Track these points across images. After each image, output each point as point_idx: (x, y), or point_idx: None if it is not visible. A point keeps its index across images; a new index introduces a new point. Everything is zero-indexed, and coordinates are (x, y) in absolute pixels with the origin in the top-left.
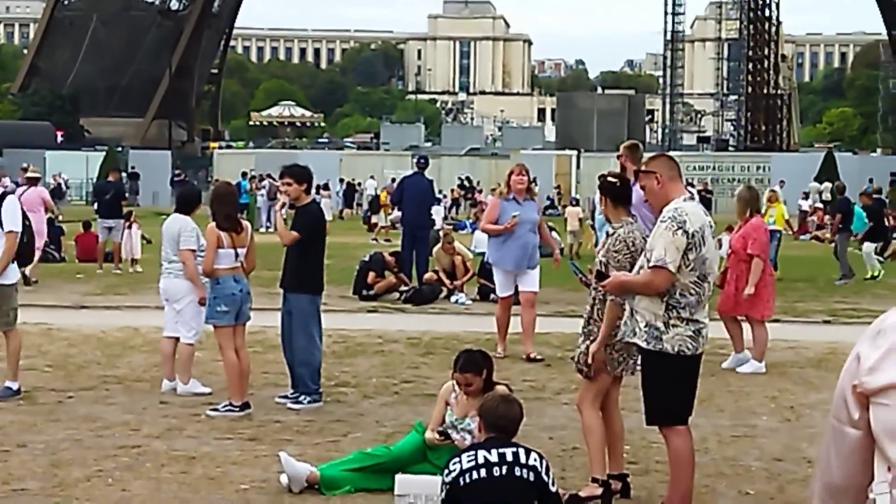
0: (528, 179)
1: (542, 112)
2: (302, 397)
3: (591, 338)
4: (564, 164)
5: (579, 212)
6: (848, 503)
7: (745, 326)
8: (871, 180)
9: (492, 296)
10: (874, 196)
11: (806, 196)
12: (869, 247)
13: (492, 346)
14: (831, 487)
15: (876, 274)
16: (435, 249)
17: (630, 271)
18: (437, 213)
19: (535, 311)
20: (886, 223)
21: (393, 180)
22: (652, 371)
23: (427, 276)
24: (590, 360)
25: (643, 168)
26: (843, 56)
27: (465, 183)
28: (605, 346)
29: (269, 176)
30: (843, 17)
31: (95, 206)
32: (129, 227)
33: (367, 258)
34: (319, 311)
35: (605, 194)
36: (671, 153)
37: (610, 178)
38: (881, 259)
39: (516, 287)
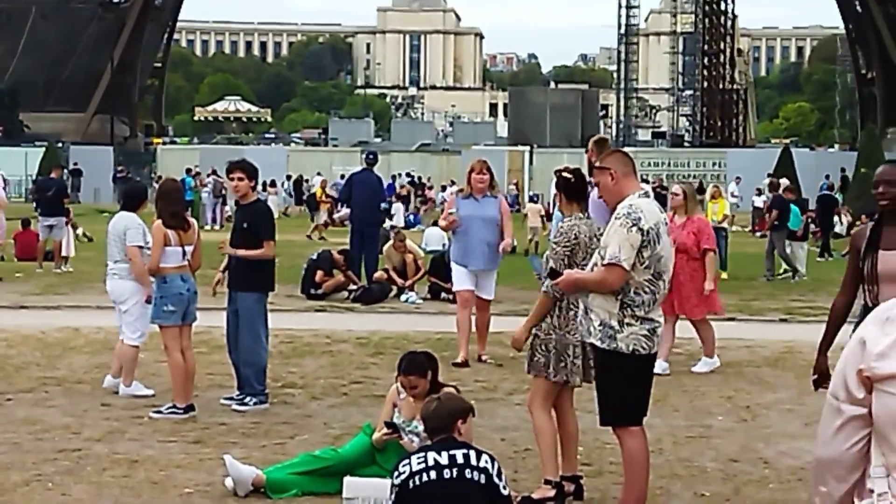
0: (490, 177)
1: (494, 107)
2: (247, 399)
3: (550, 335)
4: (517, 159)
5: (540, 209)
6: (832, 477)
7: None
8: (827, 176)
9: (443, 294)
10: (826, 192)
11: (759, 192)
12: (798, 244)
13: (443, 347)
14: (820, 462)
15: (797, 271)
16: (385, 247)
17: (567, 264)
18: (398, 209)
19: (489, 314)
20: (835, 220)
21: (342, 177)
22: (606, 371)
23: (377, 274)
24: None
25: (597, 164)
26: (800, 50)
27: (415, 180)
28: (550, 347)
29: (213, 172)
30: (799, 10)
31: (35, 203)
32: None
33: (314, 256)
34: (266, 311)
35: (560, 189)
36: (626, 149)
37: (565, 174)
38: (824, 258)
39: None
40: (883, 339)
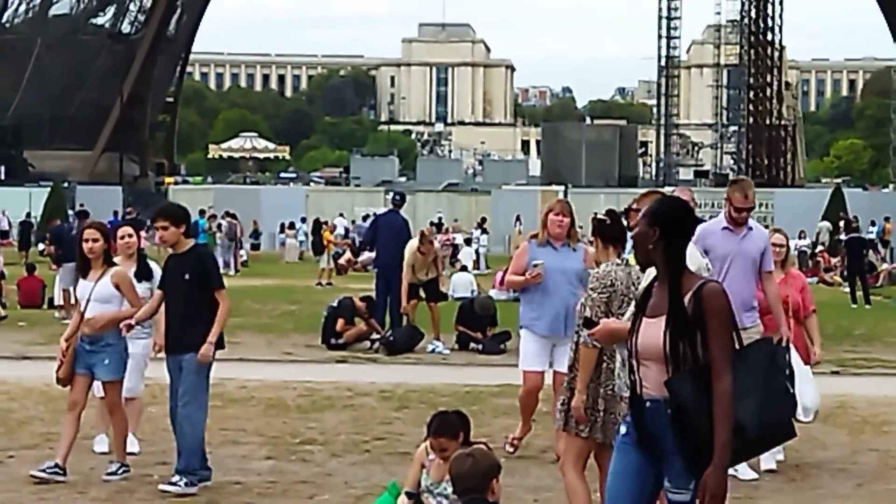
0: (571, 220)
1: (525, 144)
2: (179, 478)
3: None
4: (551, 200)
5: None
6: None
7: None
8: (872, 223)
9: (472, 344)
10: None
11: (802, 235)
12: None
13: (471, 401)
14: None
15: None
16: (409, 255)
17: (605, 312)
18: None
19: None
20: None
21: (365, 218)
22: None
23: (403, 306)
24: (572, 413)
25: (633, 207)
26: (852, 83)
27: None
28: (587, 406)
29: (228, 214)
30: (851, 41)
31: (56, 249)
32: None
33: (335, 304)
34: (210, 373)
35: (596, 234)
36: (666, 189)
37: (600, 216)
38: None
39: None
40: None
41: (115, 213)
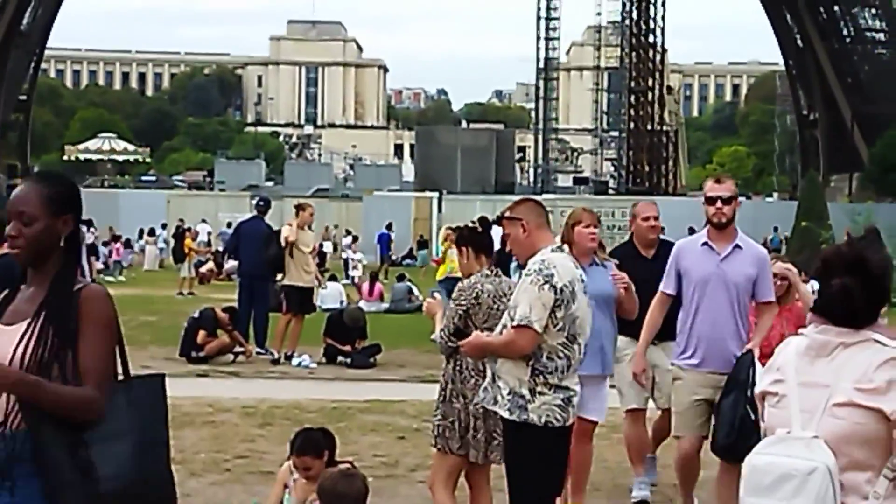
0: (600, 233)
1: (399, 148)
2: None
3: (450, 406)
4: (424, 207)
5: None
6: None
7: None
8: (776, 229)
9: (339, 358)
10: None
11: None
12: None
13: (338, 417)
14: None
15: None
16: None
17: (462, 324)
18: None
19: (591, 448)
20: None
21: (229, 225)
22: (516, 444)
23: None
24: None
25: (507, 214)
26: (736, 88)
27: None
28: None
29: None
30: (735, 45)
31: None
32: None
33: (196, 314)
34: None
35: (466, 242)
36: (544, 196)
37: (470, 224)
38: None
39: None
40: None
41: None
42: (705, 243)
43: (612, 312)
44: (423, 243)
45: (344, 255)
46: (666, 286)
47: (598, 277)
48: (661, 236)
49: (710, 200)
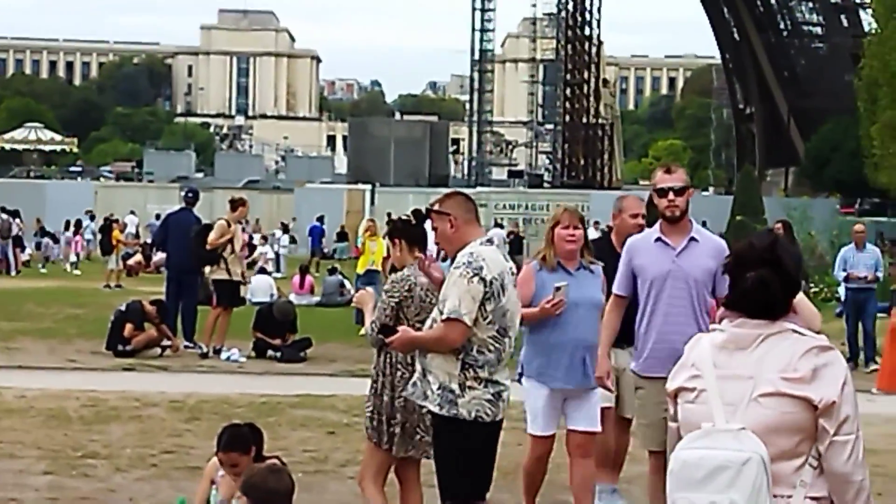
0: (583, 234)
1: (331, 140)
2: None
3: (381, 400)
4: (357, 200)
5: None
6: None
7: None
8: (704, 223)
9: (269, 352)
10: None
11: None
12: None
13: (268, 412)
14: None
15: None
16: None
17: (394, 316)
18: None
19: (592, 462)
20: None
21: (158, 217)
22: (445, 440)
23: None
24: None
25: (435, 207)
26: (672, 82)
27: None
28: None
29: (4, 210)
30: (672, 37)
31: None
32: None
33: (123, 307)
34: None
35: (400, 235)
36: (479, 189)
37: (404, 216)
38: None
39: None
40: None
41: None
42: (658, 238)
43: (599, 319)
44: (343, 235)
45: (275, 249)
46: (619, 287)
47: (584, 282)
48: None
49: (661, 192)
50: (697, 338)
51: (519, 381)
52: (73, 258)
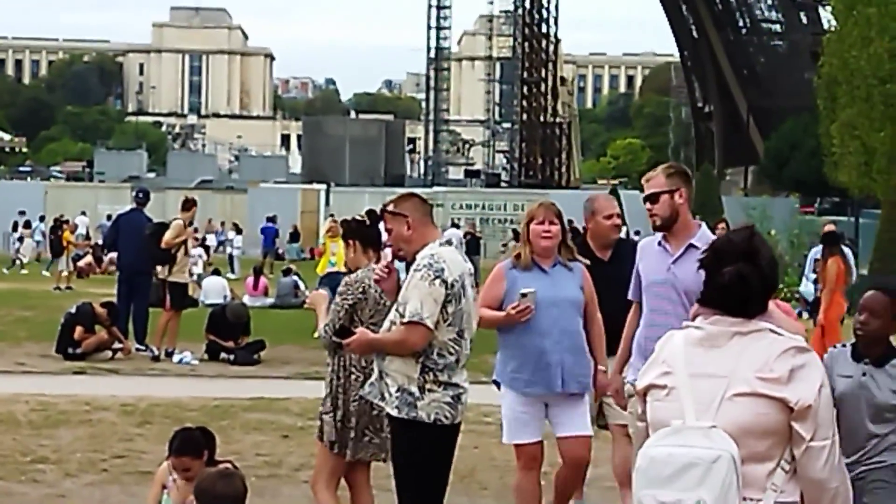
0: (562, 229)
1: (286, 139)
2: None
3: (335, 403)
4: (311, 200)
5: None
6: None
7: None
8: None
9: (222, 354)
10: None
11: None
12: None
13: (220, 415)
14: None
15: None
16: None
17: (348, 319)
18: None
19: (582, 470)
20: None
21: (109, 217)
22: (404, 443)
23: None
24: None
25: (389, 209)
26: (631, 80)
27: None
28: (336, 413)
29: None
30: (629, 35)
31: None
32: None
33: (73, 310)
34: None
35: (356, 237)
36: (435, 189)
37: (359, 217)
38: None
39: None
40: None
41: None
42: (660, 242)
43: (579, 320)
44: (295, 236)
45: (229, 250)
46: (633, 293)
47: (562, 280)
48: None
49: (644, 201)
50: (670, 334)
51: (497, 386)
52: (22, 259)
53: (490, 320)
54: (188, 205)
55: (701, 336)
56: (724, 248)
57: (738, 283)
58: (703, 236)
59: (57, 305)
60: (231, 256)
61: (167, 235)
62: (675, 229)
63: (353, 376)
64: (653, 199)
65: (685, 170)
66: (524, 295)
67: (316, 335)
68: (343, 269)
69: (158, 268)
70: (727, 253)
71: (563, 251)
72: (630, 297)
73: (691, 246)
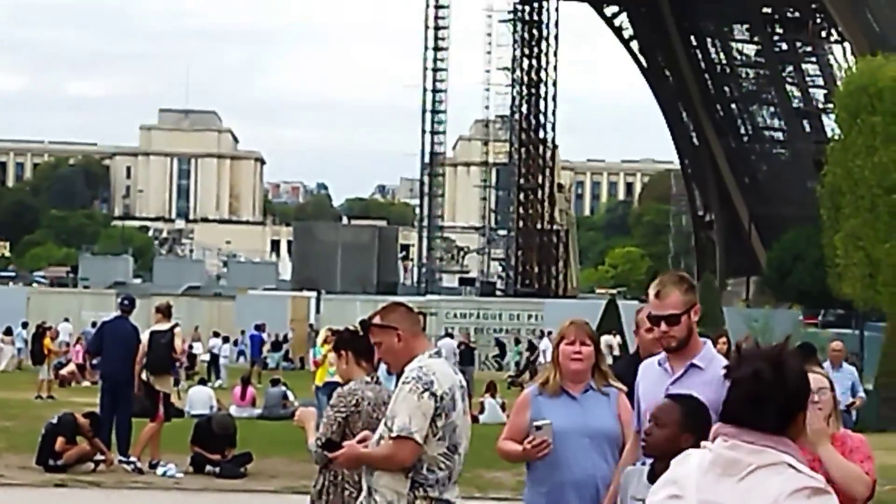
0: (596, 350)
1: (276, 244)
2: None
3: None
4: (301, 307)
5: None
6: None
7: None
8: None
9: (208, 467)
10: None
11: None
12: None
13: None
14: None
15: None
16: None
17: (340, 432)
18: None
19: None
20: None
21: (94, 324)
22: None
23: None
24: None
25: (377, 321)
26: (630, 187)
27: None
28: None
29: None
30: (629, 141)
31: None
32: None
33: (55, 420)
34: None
35: (348, 348)
36: (429, 297)
37: (352, 328)
38: None
39: None
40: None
41: None
42: (660, 363)
43: (613, 455)
44: (278, 345)
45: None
46: (635, 423)
47: (593, 408)
48: None
49: (654, 321)
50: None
51: None
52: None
53: (510, 455)
54: (169, 311)
55: (714, 461)
56: (749, 351)
57: (753, 381)
58: (707, 354)
59: (38, 415)
60: (218, 365)
61: (178, 343)
62: (686, 347)
63: (346, 492)
64: (672, 320)
65: (694, 282)
66: (538, 427)
67: (308, 447)
68: (339, 379)
69: (152, 377)
70: (751, 355)
71: (597, 376)
72: (632, 427)
73: (693, 366)
